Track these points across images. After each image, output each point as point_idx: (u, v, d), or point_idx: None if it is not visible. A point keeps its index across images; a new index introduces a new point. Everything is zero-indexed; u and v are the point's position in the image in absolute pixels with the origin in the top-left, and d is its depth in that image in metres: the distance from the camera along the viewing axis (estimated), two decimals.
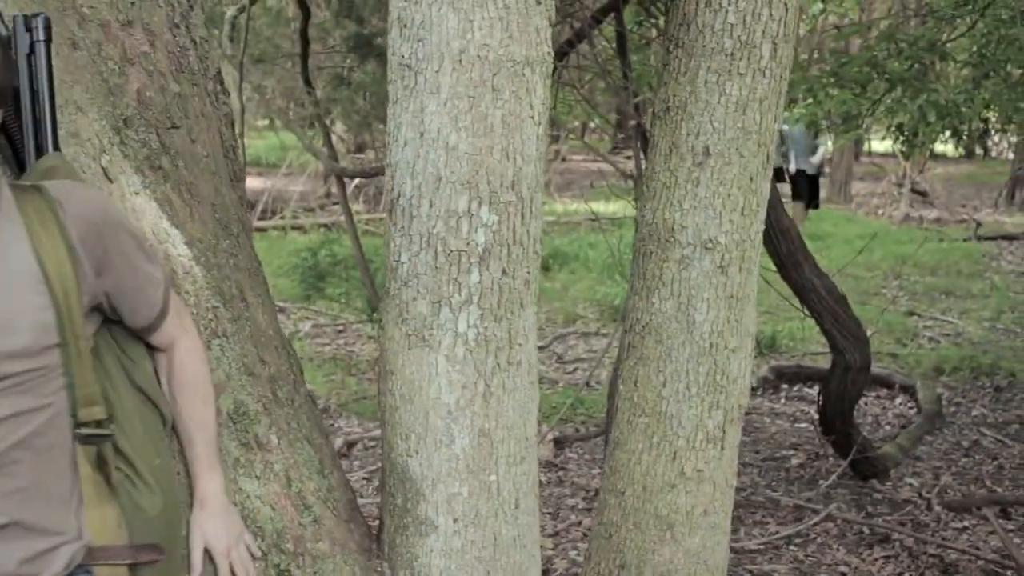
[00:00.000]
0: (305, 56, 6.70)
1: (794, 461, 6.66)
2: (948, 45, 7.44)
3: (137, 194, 2.37)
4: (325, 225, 14.84)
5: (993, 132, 12.63)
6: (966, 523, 5.64)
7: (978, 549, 5.19)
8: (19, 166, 2.18)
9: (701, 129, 2.72)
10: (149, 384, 2.16)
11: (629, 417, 2.95)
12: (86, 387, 1.95)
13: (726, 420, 2.89)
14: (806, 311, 5.45)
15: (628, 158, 22.50)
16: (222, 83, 2.87)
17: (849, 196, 20.44)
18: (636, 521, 2.95)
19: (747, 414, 7.59)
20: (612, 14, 5.98)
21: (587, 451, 6.80)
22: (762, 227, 2.83)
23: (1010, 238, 16.06)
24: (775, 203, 5.06)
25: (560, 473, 6.40)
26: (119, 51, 2.46)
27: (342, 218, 15.21)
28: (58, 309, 1.89)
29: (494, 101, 2.28)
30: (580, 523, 5.59)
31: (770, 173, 2.81)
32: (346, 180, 8.99)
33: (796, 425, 7.45)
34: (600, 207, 17.83)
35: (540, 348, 9.41)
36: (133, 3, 2.49)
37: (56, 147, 2.15)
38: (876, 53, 6.96)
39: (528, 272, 2.41)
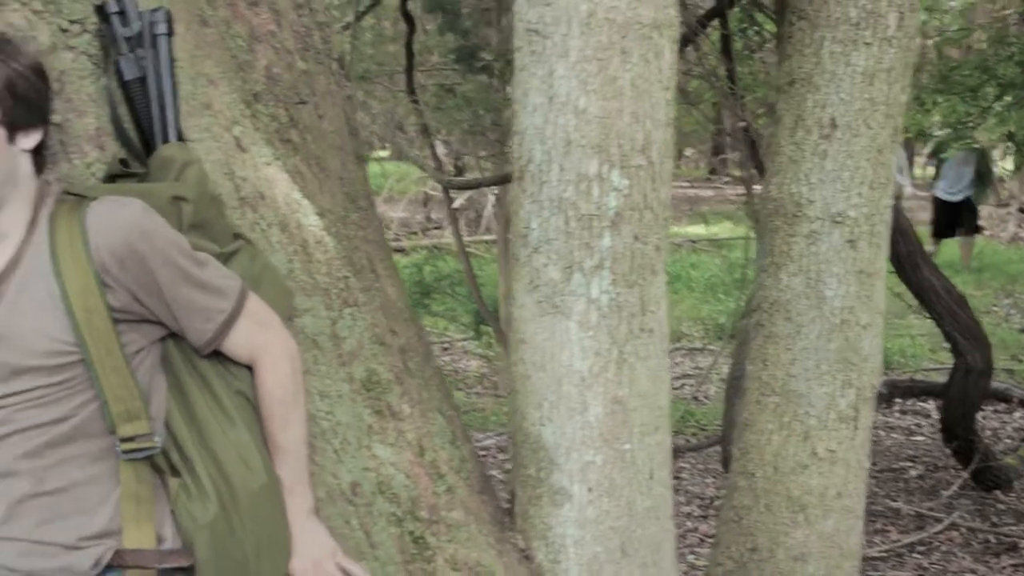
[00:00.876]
0: (410, 68, 6.77)
1: (912, 472, 6.53)
2: None
3: (268, 164, 2.40)
4: (427, 247, 14.93)
5: None
6: None
7: None
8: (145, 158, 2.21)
9: (827, 101, 2.69)
10: (250, 388, 2.12)
11: (758, 397, 2.91)
12: (122, 403, 1.93)
13: (859, 399, 2.84)
14: (926, 312, 5.35)
15: (727, 182, 22.41)
16: (343, 67, 2.91)
17: None
18: (767, 503, 2.90)
19: None
20: (717, 18, 5.98)
21: (700, 461, 6.73)
22: (891, 201, 2.80)
23: None
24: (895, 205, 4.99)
25: (674, 482, 6.33)
26: (247, 29, 2.50)
27: (445, 240, 15.32)
28: (77, 329, 1.88)
29: (623, 64, 2.28)
30: (696, 529, 5.53)
31: (898, 146, 2.77)
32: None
33: (912, 438, 7.31)
34: (699, 230, 17.78)
35: None
36: None
37: (179, 137, 2.18)
38: (987, 57, 6.84)
39: (659, 238, 2.40)
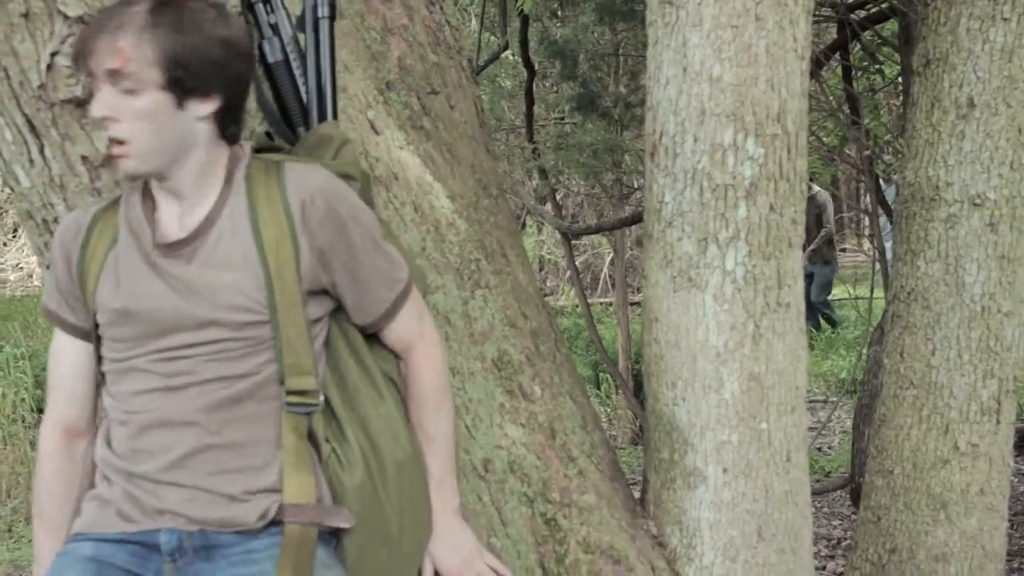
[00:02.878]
0: (530, 114, 6.80)
1: None
2: None
3: (401, 148, 2.42)
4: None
5: None
6: None
7: None
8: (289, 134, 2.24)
9: (964, 80, 2.64)
10: (393, 373, 2.12)
11: (896, 391, 2.83)
12: (295, 356, 1.95)
13: (1001, 391, 2.74)
14: None
15: (843, 250, 22.14)
16: (473, 68, 2.94)
17: None
18: (907, 501, 2.81)
19: None
20: (839, 51, 5.92)
21: (825, 504, 6.57)
22: None
23: None
24: None
25: None
26: (380, 22, 2.54)
27: (560, 303, 15.30)
28: (271, 287, 1.92)
29: (758, 31, 2.25)
30: (824, 567, 5.38)
31: None
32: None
33: None
34: None
35: None
36: None
37: (335, 116, 2.21)
38: None
39: (795, 210, 2.35)
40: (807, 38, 2.33)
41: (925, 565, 2.79)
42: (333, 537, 2.00)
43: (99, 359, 2.02)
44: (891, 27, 5.88)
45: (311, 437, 2.00)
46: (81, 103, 2.13)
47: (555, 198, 7.02)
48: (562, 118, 9.62)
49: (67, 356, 2.06)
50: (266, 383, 1.95)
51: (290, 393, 1.96)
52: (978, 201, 2.65)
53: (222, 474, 1.92)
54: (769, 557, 2.43)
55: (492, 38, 8.86)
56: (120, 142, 1.87)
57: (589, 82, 7.33)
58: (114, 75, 1.83)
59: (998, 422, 2.76)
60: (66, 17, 2.11)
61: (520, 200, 9.06)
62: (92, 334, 2.03)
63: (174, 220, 1.95)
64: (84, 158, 2.17)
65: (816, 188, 11.28)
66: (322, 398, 2.00)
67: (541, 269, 18.20)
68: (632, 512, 2.50)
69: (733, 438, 2.37)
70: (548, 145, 7.40)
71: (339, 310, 2.05)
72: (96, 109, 1.86)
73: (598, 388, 9.33)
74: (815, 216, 11.56)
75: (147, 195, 1.98)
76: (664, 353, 2.41)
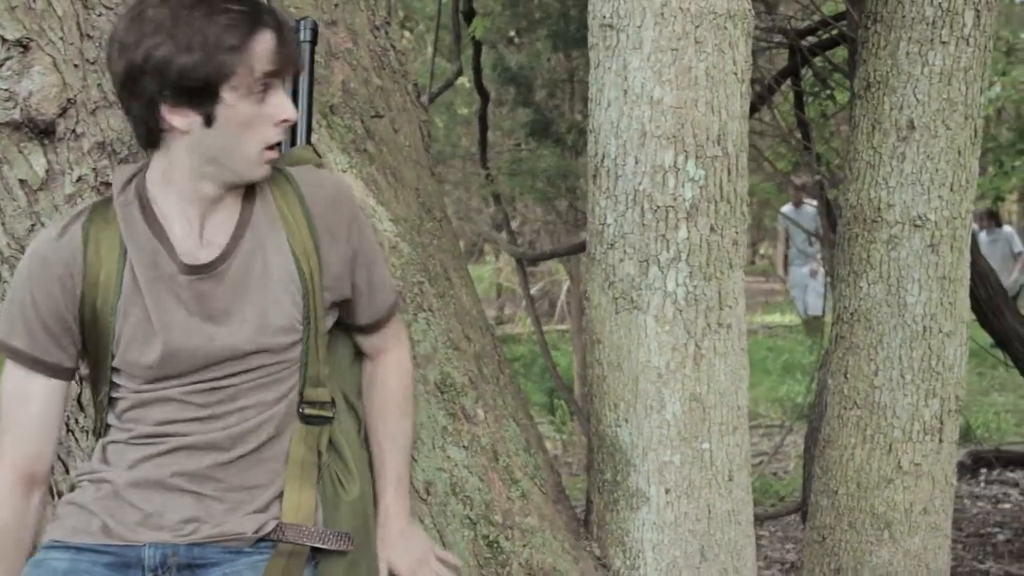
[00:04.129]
0: (484, 140, 6.82)
1: (1000, 537, 6.34)
2: None
3: (344, 172, 2.42)
4: (502, 339, 14.94)
5: None
6: None
7: None
8: None
9: (904, 102, 2.66)
10: (353, 390, 2.15)
11: (840, 411, 2.84)
12: (316, 367, 1.96)
13: (943, 410, 2.76)
14: (1009, 361, 5.22)
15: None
16: (419, 91, 2.94)
17: None
18: (851, 521, 2.82)
19: None
20: (790, 77, 5.98)
21: (779, 528, 6.60)
22: (972, 206, 2.74)
23: None
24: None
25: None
26: (324, 46, 2.54)
27: (516, 331, 15.30)
28: (308, 302, 1.92)
29: (697, 54, 2.27)
30: None
31: (978, 150, 2.72)
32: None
33: (1000, 506, 7.10)
34: (775, 318, 17.67)
35: None
36: (336, 5, 2.57)
37: (308, 140, 2.22)
38: None
39: (736, 232, 2.37)
40: (747, 61, 2.35)
41: None
42: (315, 555, 1.98)
43: (107, 384, 1.92)
44: (842, 53, 5.94)
45: (317, 450, 2.00)
46: (18, 126, 2.11)
47: (509, 224, 7.03)
48: (518, 144, 9.66)
49: (37, 398, 1.91)
50: (294, 403, 1.96)
51: (307, 404, 1.96)
52: (919, 222, 2.67)
53: (230, 491, 1.90)
54: None
55: (447, 64, 8.87)
56: (278, 145, 1.89)
57: (543, 108, 7.38)
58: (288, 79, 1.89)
59: (941, 441, 2.78)
60: (4, 40, 2.10)
61: (476, 227, 9.08)
62: (74, 372, 1.95)
63: (193, 235, 1.88)
64: (22, 182, 2.15)
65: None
66: (334, 411, 2.02)
67: (498, 296, 18.21)
68: (575, 534, 2.50)
69: (675, 458, 2.38)
70: (503, 171, 7.42)
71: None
72: (291, 111, 1.85)
73: (552, 414, 9.34)
74: None
75: (145, 209, 1.89)
76: (606, 374, 2.42)
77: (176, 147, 1.84)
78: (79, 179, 2.13)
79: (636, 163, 2.30)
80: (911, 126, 2.65)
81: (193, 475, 1.89)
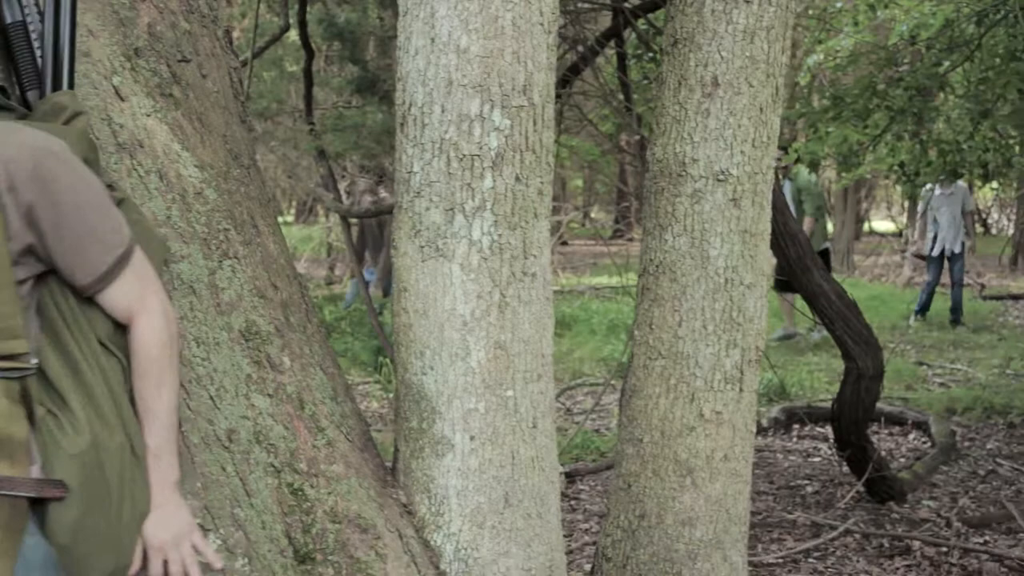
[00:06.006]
0: (309, 96, 6.75)
1: (809, 488, 6.57)
2: (946, 77, 7.50)
3: (148, 116, 2.38)
4: (331, 298, 14.86)
5: (992, 181, 12.64)
6: (987, 537, 5.54)
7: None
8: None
9: (709, 59, 2.72)
10: (107, 333, 2.07)
11: (645, 362, 2.90)
12: (3, 320, 1.89)
13: (744, 360, 2.85)
14: (817, 318, 5.39)
15: (631, 240, 22.73)
16: (231, 38, 2.90)
17: (852, 265, 20.52)
18: (655, 468, 2.89)
19: (759, 451, 7.53)
20: (613, 39, 6.05)
21: (599, 483, 6.72)
22: (774, 162, 2.82)
23: (1016, 297, 16.05)
24: (782, 207, 5.05)
25: (573, 502, 6.32)
26: None
27: (347, 294, 15.22)
28: None
29: (504, 4, 2.28)
30: (593, 543, 5.49)
31: (779, 108, 2.80)
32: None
33: (810, 459, 7.36)
34: (602, 280, 17.93)
35: None
36: None
37: (71, 85, 2.15)
38: (876, 79, 7.00)
39: (541, 182, 2.39)
40: (554, 12, 2.37)
41: (673, 530, 2.88)
42: (39, 506, 1.94)
43: None
44: (664, 15, 6.04)
45: (25, 401, 1.93)
46: None
47: (335, 181, 6.97)
48: (349, 102, 9.58)
49: None
50: None
51: (1, 358, 1.89)
52: (722, 177, 2.74)
53: None
54: (516, 522, 2.47)
55: (275, 19, 8.74)
56: None
57: (371, 65, 7.32)
58: None
59: (741, 390, 2.86)
60: None
61: (305, 186, 8.97)
62: None
63: None
64: None
65: None
66: (35, 362, 1.94)
67: (329, 255, 18.11)
68: (382, 481, 2.51)
69: (480, 406, 2.40)
70: (328, 128, 7.35)
71: (55, 275, 1.99)
72: None
73: (379, 372, 9.33)
74: None
75: None
76: (413, 322, 2.42)
77: None
78: None
79: (442, 112, 2.31)
80: (715, 83, 2.71)
81: None
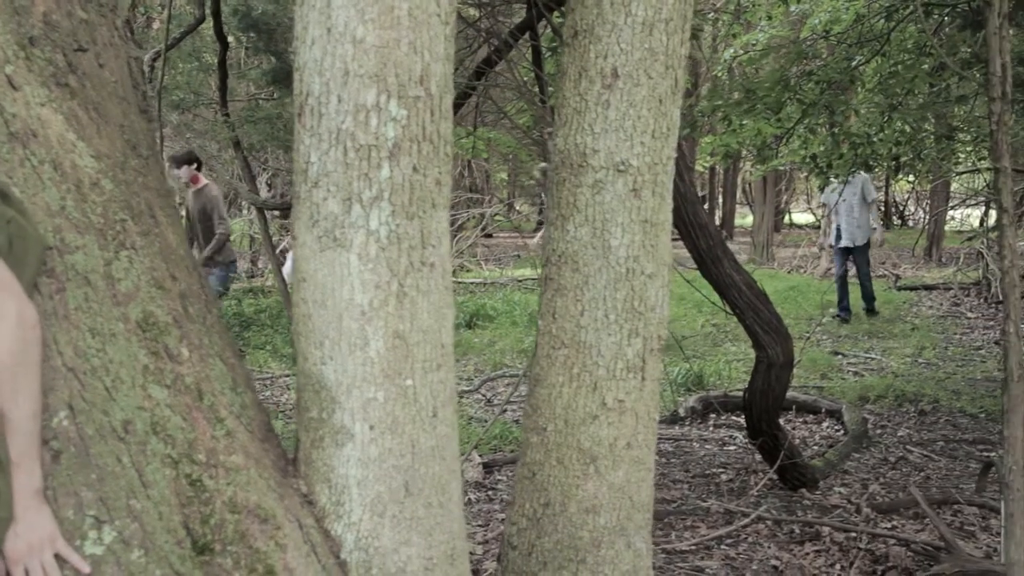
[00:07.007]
0: (224, 87, 6.68)
1: (724, 477, 6.66)
2: (857, 71, 7.60)
3: (43, 105, 2.36)
4: (251, 290, 14.77)
5: (904, 174, 12.84)
6: (895, 523, 5.65)
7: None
8: None
9: (609, 51, 2.74)
10: None
11: (548, 351, 2.93)
12: None
13: (646, 349, 2.88)
14: (727, 308, 5.46)
15: None
16: (131, 28, 2.87)
17: (772, 256, 20.77)
18: (559, 457, 2.91)
19: (676, 440, 7.60)
20: (528, 32, 6.06)
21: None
22: (674, 153, 2.85)
23: (930, 288, 16.34)
24: (693, 199, 5.10)
25: (490, 492, 6.36)
26: None
27: (268, 283, 15.12)
28: None
29: None
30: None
31: (679, 99, 2.83)
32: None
33: (725, 448, 7.46)
34: (525, 271, 17.97)
35: (469, 392, 9.37)
36: None
37: None
38: (787, 73, 7.08)
39: (439, 172, 2.40)
40: (451, 3, 2.38)
41: (577, 517, 2.90)
42: None
43: None
44: None
45: None
46: None
47: (251, 172, 6.92)
48: (272, 94, 9.51)
49: None
50: None
51: None
52: (622, 167, 2.76)
53: None
54: (417, 511, 2.48)
55: (191, 11, 8.64)
56: None
57: (286, 56, 7.27)
58: None
59: (643, 379, 2.89)
60: None
61: (223, 178, 8.89)
62: None
63: None
64: None
65: (206, 181, 8.95)
66: None
67: (251, 247, 17.97)
68: (283, 472, 2.51)
69: (379, 395, 2.41)
70: (244, 119, 7.30)
71: None
72: None
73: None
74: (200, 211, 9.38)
75: None
76: (312, 312, 2.42)
77: None
78: None
79: (339, 102, 2.31)
80: (615, 74, 2.74)
81: None
